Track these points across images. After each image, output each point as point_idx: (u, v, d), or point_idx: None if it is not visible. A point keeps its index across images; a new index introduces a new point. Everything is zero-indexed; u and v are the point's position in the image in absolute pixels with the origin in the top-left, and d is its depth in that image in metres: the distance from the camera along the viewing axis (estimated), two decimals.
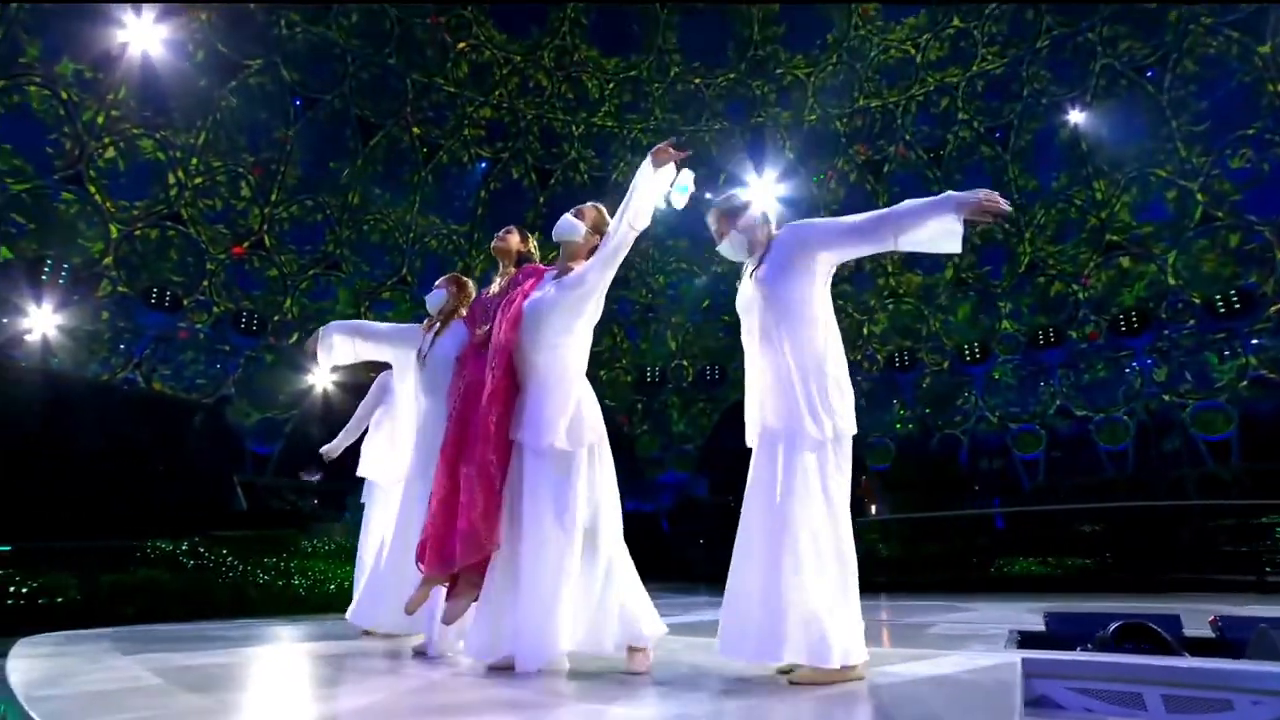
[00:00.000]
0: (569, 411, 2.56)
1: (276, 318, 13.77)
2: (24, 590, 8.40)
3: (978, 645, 3.49)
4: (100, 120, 12.02)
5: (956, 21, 14.04)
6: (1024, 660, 2.67)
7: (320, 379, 14.00)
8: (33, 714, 1.72)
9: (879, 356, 15.37)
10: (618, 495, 2.64)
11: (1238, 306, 12.73)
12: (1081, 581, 9.88)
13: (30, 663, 2.62)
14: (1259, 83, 12.35)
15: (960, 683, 2.34)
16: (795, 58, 15.43)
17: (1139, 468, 13.07)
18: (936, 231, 2.39)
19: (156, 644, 3.22)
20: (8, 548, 9.74)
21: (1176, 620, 3.77)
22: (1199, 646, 3.77)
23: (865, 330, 15.48)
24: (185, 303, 12.77)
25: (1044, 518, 12.09)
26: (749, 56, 15.70)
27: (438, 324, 3.47)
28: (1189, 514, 10.53)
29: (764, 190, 15.73)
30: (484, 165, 15.86)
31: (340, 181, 14.49)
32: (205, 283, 13.01)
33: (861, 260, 15.65)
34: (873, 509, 14.91)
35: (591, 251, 2.84)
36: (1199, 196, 12.95)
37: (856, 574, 2.26)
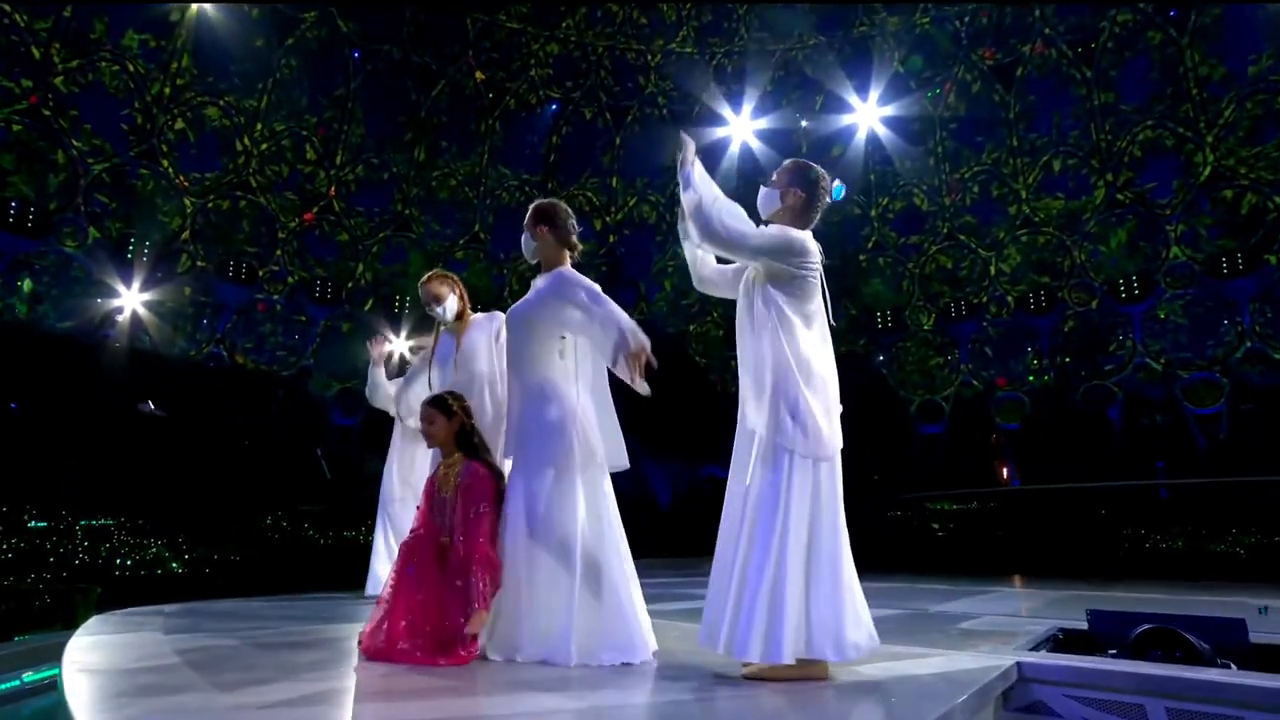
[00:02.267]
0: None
1: (350, 284, 13.39)
2: (128, 563, 8.41)
3: (998, 643, 3.24)
4: (167, 91, 11.76)
5: None
6: (1020, 664, 2.63)
7: (398, 345, 13.57)
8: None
9: (1009, 299, 13.19)
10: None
11: None
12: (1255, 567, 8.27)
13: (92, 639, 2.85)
14: None
15: (926, 683, 2.31)
16: None
17: None
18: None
19: (216, 620, 3.49)
20: (111, 521, 9.87)
21: (1241, 625, 3.17)
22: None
23: (992, 269, 13.30)
24: (261, 274, 12.55)
25: (1222, 489, 10.06)
26: None
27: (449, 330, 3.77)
28: None
29: (869, 112, 13.71)
30: (554, 107, 14.68)
31: (405, 137, 13.77)
32: (278, 252, 12.73)
33: (989, 185, 13.42)
34: (1004, 474, 13.05)
35: None
36: None
37: (840, 571, 2.27)
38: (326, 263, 13.25)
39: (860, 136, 13.94)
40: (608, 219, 14.78)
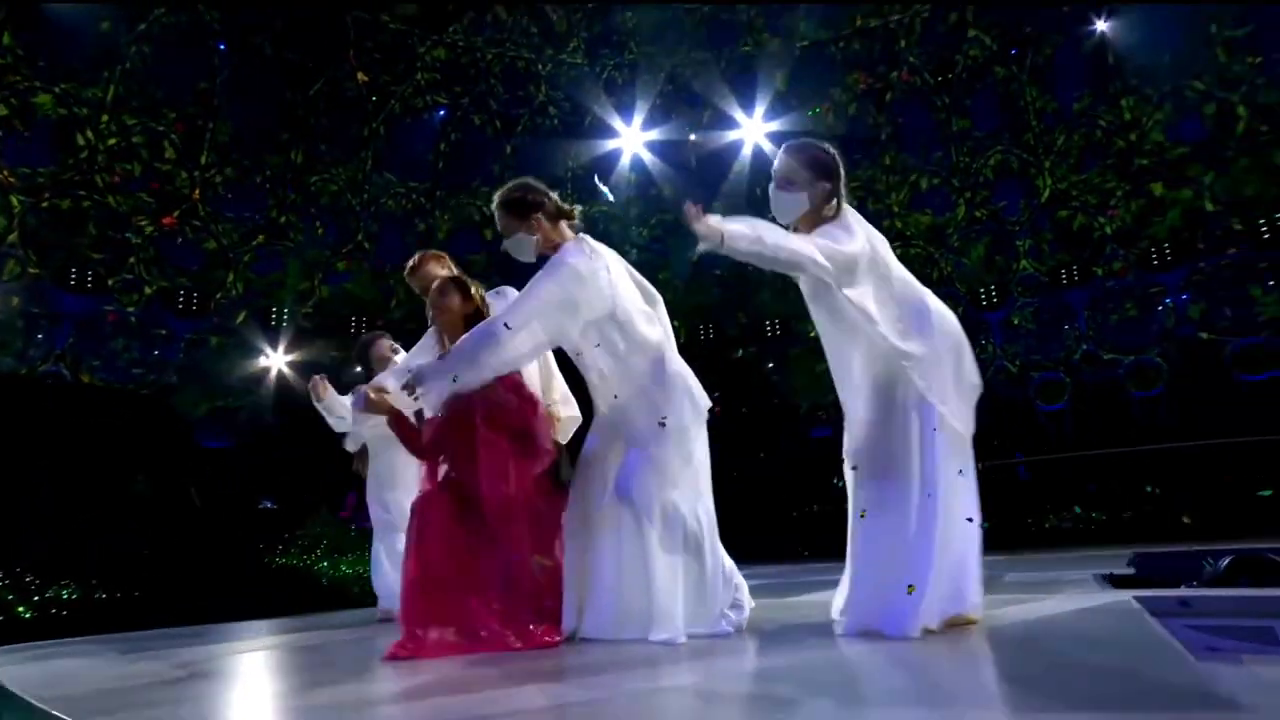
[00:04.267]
0: None
1: (219, 295, 12.36)
2: None
3: (1069, 590, 3.21)
4: None
5: None
6: (1139, 598, 2.53)
7: (275, 360, 12.70)
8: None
9: None
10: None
11: None
12: (1132, 530, 9.29)
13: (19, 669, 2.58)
14: None
15: (1079, 624, 2.29)
16: None
17: (1173, 412, 12.03)
18: None
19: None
20: None
21: None
22: None
23: None
24: (111, 283, 11.34)
25: (1075, 464, 11.47)
26: None
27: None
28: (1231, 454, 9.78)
29: (754, 127, 14.25)
30: (442, 113, 14.27)
31: (280, 138, 12.92)
32: (131, 259, 11.55)
33: (866, 199, 14.30)
34: None
35: None
36: (1240, 111, 11.61)
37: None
38: (191, 271, 12.17)
39: (746, 151, 14.46)
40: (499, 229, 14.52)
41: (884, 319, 2.39)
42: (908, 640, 2.10)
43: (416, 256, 3.61)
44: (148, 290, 11.67)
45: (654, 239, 14.96)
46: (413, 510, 2.51)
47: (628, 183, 14.31)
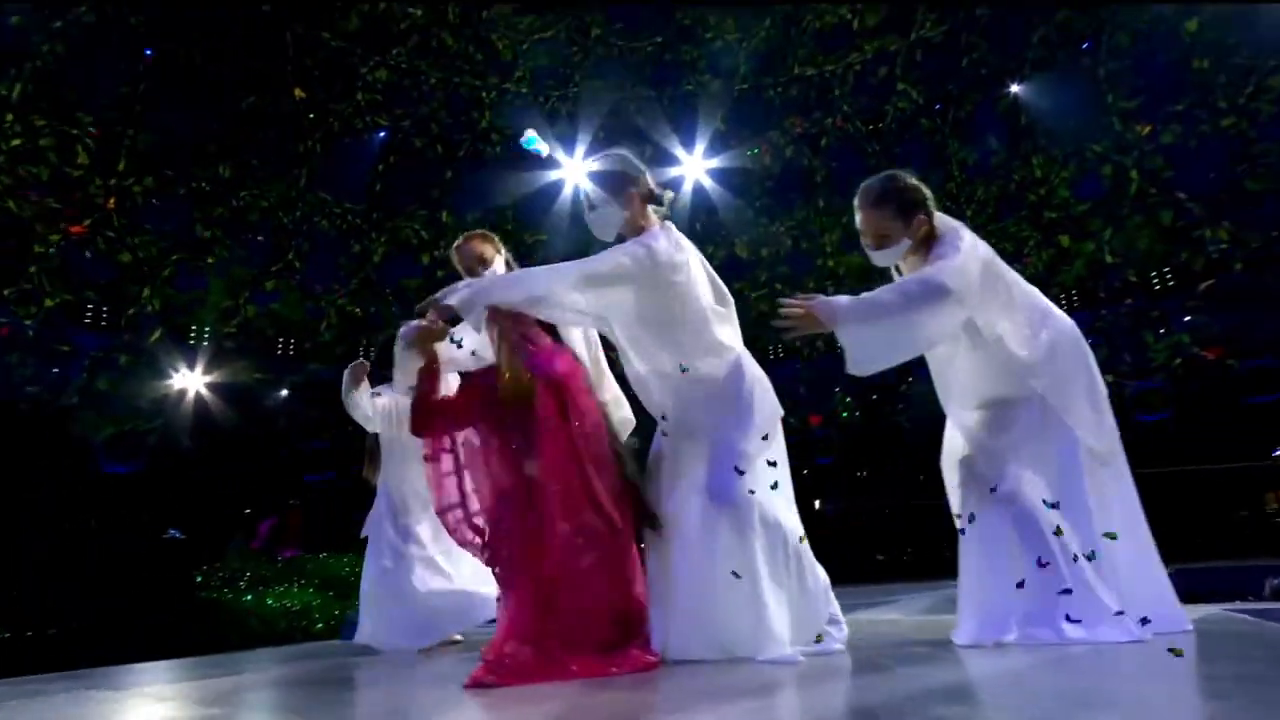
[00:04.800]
0: None
1: (132, 310, 11.67)
2: None
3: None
4: None
5: None
6: (1233, 610, 2.61)
7: (191, 382, 12.04)
8: None
9: (819, 343, 14.56)
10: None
11: (1171, 284, 12.59)
12: None
13: None
14: (1185, 59, 12.10)
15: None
16: (727, 20, 14.27)
17: None
18: None
19: None
20: None
21: None
22: None
23: None
24: (6, 293, 10.54)
25: None
26: (677, 19, 14.44)
27: None
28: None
29: (695, 164, 14.60)
30: (383, 135, 14.06)
31: (208, 150, 12.42)
32: (32, 268, 10.79)
33: (799, 239, 14.80)
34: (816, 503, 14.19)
35: None
36: (1133, 174, 12.64)
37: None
38: (100, 285, 11.45)
39: (688, 187, 14.78)
40: (435, 253, 14.27)
41: (1015, 336, 2.31)
42: (1038, 651, 2.04)
43: (465, 235, 3.41)
44: (48, 302, 10.90)
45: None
46: (499, 514, 2.24)
47: (568, 215, 14.38)
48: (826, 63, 14.02)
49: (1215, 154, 12.31)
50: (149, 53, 11.72)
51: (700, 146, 14.40)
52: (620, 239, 2.49)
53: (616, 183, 2.49)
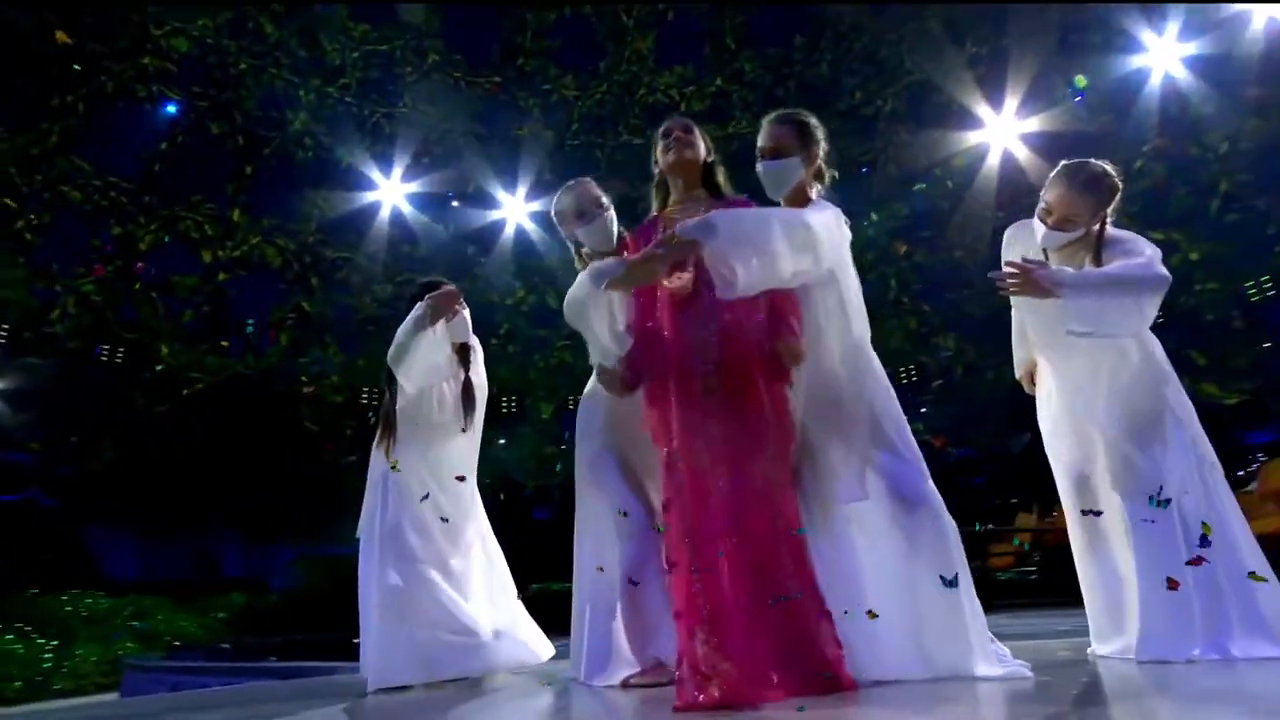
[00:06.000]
0: None
1: None
2: None
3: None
4: None
5: (719, 81, 14.58)
6: None
7: None
8: None
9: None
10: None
11: (916, 379, 14.89)
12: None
13: None
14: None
15: None
16: (565, 77, 14.76)
17: None
18: None
19: None
20: None
21: None
22: None
23: None
24: None
25: None
26: (517, 65, 14.67)
27: None
28: None
29: (517, 206, 14.66)
30: (172, 109, 12.48)
31: None
32: None
33: None
34: None
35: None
36: (892, 282, 14.87)
37: None
38: None
39: (509, 230, 14.76)
40: (220, 253, 12.79)
41: (1159, 348, 2.47)
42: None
43: (578, 179, 3.07)
44: None
45: (398, 295, 14.34)
46: (686, 511, 2.01)
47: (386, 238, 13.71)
48: (652, 135, 14.96)
49: (945, 275, 14.87)
50: None
51: (522, 190, 14.49)
52: (786, 203, 2.39)
53: (809, 136, 2.39)
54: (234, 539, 18.87)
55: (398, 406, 3.11)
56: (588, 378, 2.80)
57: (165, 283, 12.20)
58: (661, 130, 2.67)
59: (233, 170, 13.05)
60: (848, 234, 2.29)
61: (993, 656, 2.05)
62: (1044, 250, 2.52)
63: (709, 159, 2.63)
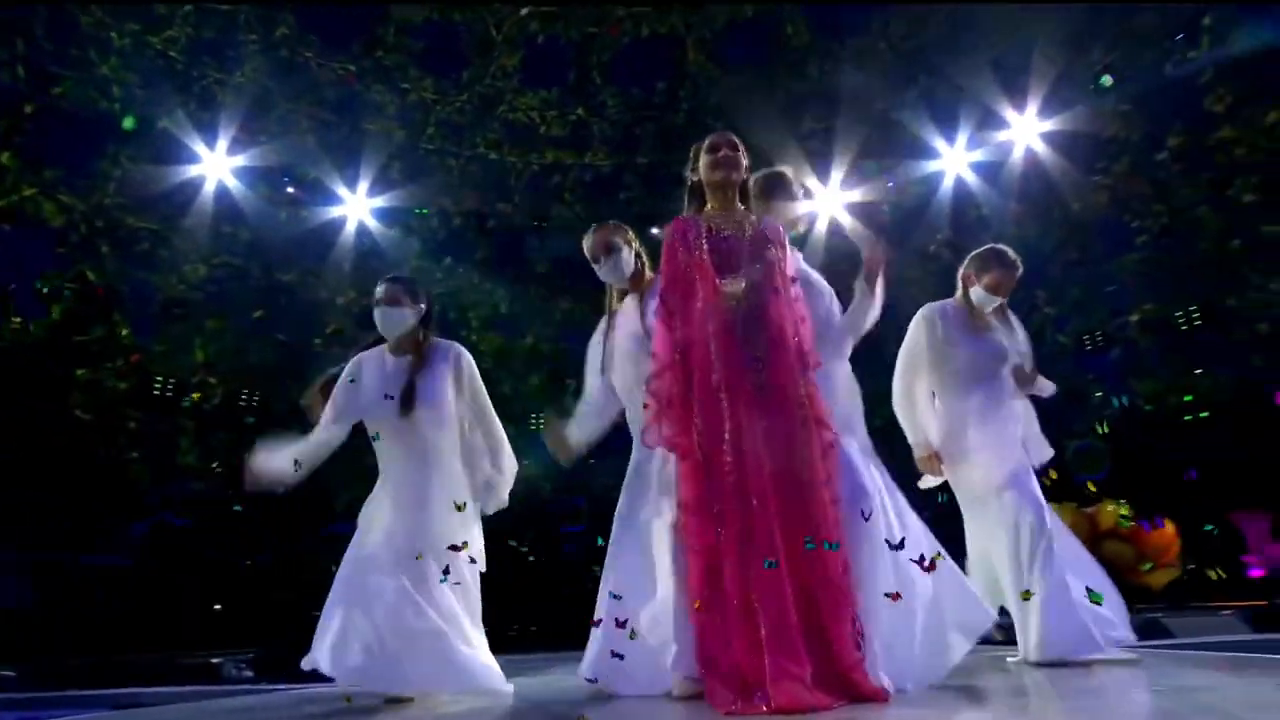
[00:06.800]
0: None
1: None
2: None
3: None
4: None
5: (581, 111, 14.83)
6: None
7: None
8: None
9: None
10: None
11: None
12: None
13: None
14: None
15: None
16: (425, 80, 14.32)
17: None
18: None
19: None
20: None
21: None
22: None
23: None
24: None
25: None
26: (377, 57, 14.00)
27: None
28: None
29: (358, 203, 13.90)
30: None
31: None
32: None
33: (448, 310, 14.94)
34: None
35: None
36: None
37: None
38: None
39: (350, 227, 13.95)
40: None
41: None
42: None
43: (599, 226, 3.58)
44: None
45: (211, 280, 12.98)
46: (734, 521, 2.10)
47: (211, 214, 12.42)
48: (510, 154, 14.94)
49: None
50: None
51: (364, 185, 13.78)
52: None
53: (779, 187, 3.15)
54: None
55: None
56: None
57: None
58: (708, 144, 2.82)
59: (6, 105, 11.28)
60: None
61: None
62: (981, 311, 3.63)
63: (746, 177, 2.91)
